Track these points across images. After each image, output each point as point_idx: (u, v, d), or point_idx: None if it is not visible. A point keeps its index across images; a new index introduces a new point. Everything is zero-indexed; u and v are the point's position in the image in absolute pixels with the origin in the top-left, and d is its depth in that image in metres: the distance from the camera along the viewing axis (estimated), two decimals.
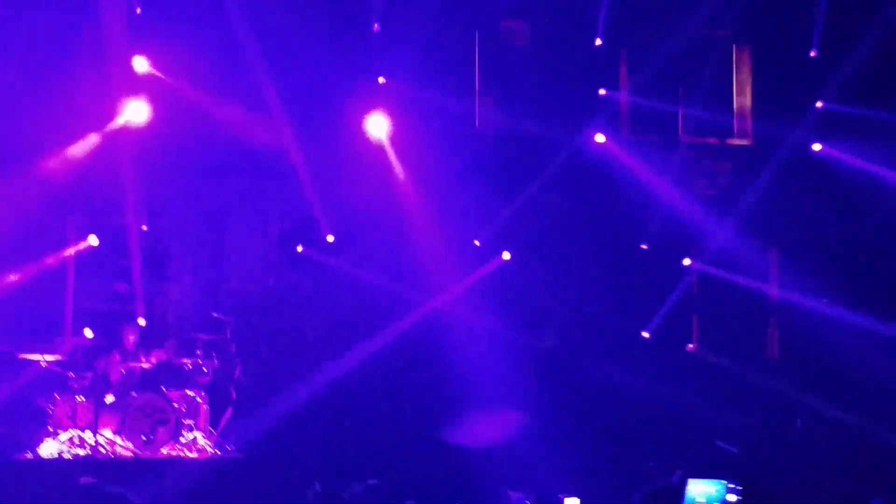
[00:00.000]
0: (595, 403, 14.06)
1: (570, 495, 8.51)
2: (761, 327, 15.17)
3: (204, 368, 12.49)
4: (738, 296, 14.85)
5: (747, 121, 15.39)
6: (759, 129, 15.24)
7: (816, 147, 14.69)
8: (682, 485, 5.34)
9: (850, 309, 14.23)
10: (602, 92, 14.57)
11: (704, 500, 5.84)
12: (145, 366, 12.71)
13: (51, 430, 11.83)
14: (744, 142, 15.36)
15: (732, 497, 5.83)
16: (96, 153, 13.05)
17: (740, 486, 5.90)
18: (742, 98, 15.42)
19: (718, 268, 14.78)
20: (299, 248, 13.94)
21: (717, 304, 14.94)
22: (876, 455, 13.02)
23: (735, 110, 15.41)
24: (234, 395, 12.87)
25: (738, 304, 14.91)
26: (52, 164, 13.00)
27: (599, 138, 14.33)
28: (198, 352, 12.94)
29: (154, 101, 13.16)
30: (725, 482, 5.92)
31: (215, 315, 13.48)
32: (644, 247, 14.43)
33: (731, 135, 15.38)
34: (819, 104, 14.76)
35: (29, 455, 11.73)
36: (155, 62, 13.14)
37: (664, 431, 13.60)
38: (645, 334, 14.55)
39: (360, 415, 13.35)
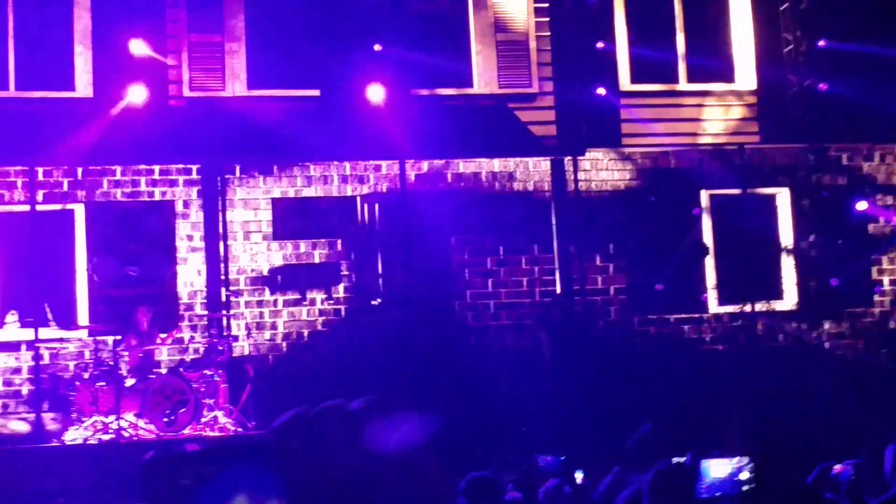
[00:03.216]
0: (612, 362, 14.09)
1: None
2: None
3: (220, 347, 12.56)
4: (751, 241, 14.81)
5: (749, 65, 15.26)
6: (762, 73, 15.12)
7: (822, 86, 14.55)
8: (696, 463, 5.33)
9: None
10: (600, 45, 14.45)
11: (718, 478, 5.83)
12: (162, 348, 12.81)
13: (74, 416, 11.97)
14: (746, 86, 15.24)
15: (745, 474, 5.82)
16: (98, 138, 13.05)
17: (752, 462, 5.90)
18: (742, 41, 15.29)
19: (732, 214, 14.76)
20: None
21: (731, 251, 14.90)
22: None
23: (734, 54, 15.29)
24: (251, 373, 12.94)
25: (753, 250, 14.88)
26: (57, 150, 13.04)
27: (601, 91, 14.24)
28: (212, 331, 13.01)
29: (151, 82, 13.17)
30: (738, 459, 5.91)
31: (227, 292, 13.57)
32: (659, 287, 14.41)
33: (732, 80, 15.26)
34: (822, 43, 14.63)
35: (55, 443, 11.89)
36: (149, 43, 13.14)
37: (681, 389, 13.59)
38: (659, 287, 14.52)
39: (379, 382, 13.37)
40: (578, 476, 8.22)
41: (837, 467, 7.64)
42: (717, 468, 6.08)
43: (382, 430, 1.39)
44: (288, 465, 1.46)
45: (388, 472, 1.45)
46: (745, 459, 6.11)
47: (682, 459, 6.75)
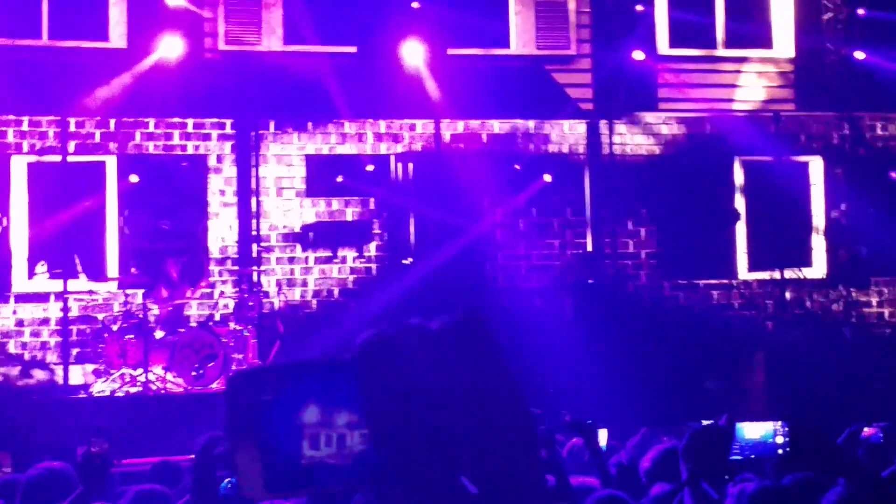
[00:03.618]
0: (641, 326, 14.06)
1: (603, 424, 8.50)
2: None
3: (250, 302, 12.53)
4: (783, 209, 14.75)
5: (787, 32, 15.12)
6: (800, 41, 14.98)
7: (859, 55, 14.42)
8: (731, 426, 5.30)
9: None
10: (639, 8, 14.31)
11: (753, 440, 5.81)
12: (191, 302, 12.79)
13: (102, 368, 11.97)
14: (784, 54, 15.11)
15: (780, 439, 5.79)
16: (131, 90, 12.96)
17: (788, 426, 5.86)
18: (781, 8, 15.14)
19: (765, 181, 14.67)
20: (339, 179, 13.86)
21: (763, 218, 14.84)
22: None
23: (773, 21, 15.14)
24: (281, 329, 12.93)
25: (785, 217, 14.82)
26: (90, 101, 12.95)
27: (638, 55, 14.10)
28: (243, 286, 12.99)
29: (187, 34, 13.05)
30: (773, 423, 5.88)
31: (259, 248, 13.53)
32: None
33: (770, 47, 15.13)
34: (861, 11, 14.48)
35: (83, 395, 11.89)
36: None
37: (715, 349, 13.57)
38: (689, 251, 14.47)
39: None
40: (603, 434, 8.22)
41: (867, 430, 7.64)
42: (751, 431, 6.06)
43: (457, 354, 1.36)
44: (364, 381, 1.43)
45: (460, 396, 1.42)
46: (780, 423, 6.09)
47: (714, 422, 6.73)
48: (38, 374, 13.03)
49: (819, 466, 5.43)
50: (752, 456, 6.09)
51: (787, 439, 6.00)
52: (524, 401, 1.39)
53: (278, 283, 13.44)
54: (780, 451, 6.09)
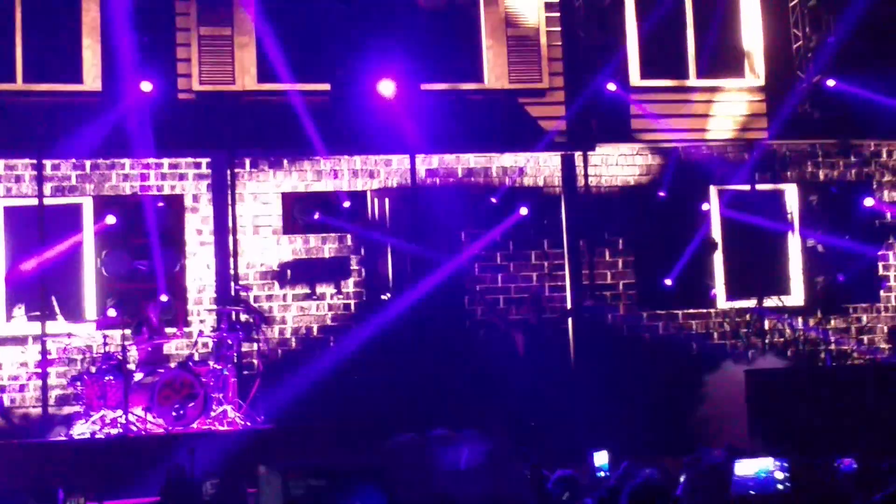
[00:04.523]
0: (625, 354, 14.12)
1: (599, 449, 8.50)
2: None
3: (229, 341, 12.52)
4: (760, 237, 14.85)
5: (758, 61, 15.29)
6: (771, 69, 15.15)
7: (830, 83, 14.57)
8: (729, 463, 5.34)
9: None
10: (610, 40, 14.47)
11: (753, 477, 5.83)
12: (170, 342, 12.77)
13: (81, 410, 11.92)
14: (756, 82, 15.27)
15: (780, 475, 5.81)
16: (107, 131, 13.01)
17: (787, 463, 5.88)
18: (752, 37, 15.31)
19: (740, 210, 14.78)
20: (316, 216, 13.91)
21: (741, 248, 14.94)
22: None
23: (744, 50, 15.30)
24: (260, 367, 12.92)
25: (761, 246, 14.93)
26: (65, 144, 13.00)
27: (611, 87, 14.23)
28: (221, 325, 12.97)
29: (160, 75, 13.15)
30: (773, 459, 5.91)
31: (237, 287, 13.53)
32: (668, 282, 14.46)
33: (742, 75, 15.28)
34: (831, 39, 14.65)
35: (62, 437, 11.84)
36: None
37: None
38: (668, 282, 14.53)
39: (389, 377, 13.36)
40: (603, 456, 8.21)
41: (846, 461, 7.69)
42: (749, 467, 6.08)
43: (482, 464, 1.40)
44: (393, 484, 1.48)
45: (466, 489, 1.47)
46: (780, 460, 6.11)
47: (713, 459, 6.77)
48: (18, 418, 12.98)
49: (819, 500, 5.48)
50: (752, 493, 6.08)
51: (786, 475, 5.98)
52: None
53: (257, 322, 13.42)
54: (779, 487, 6.09)
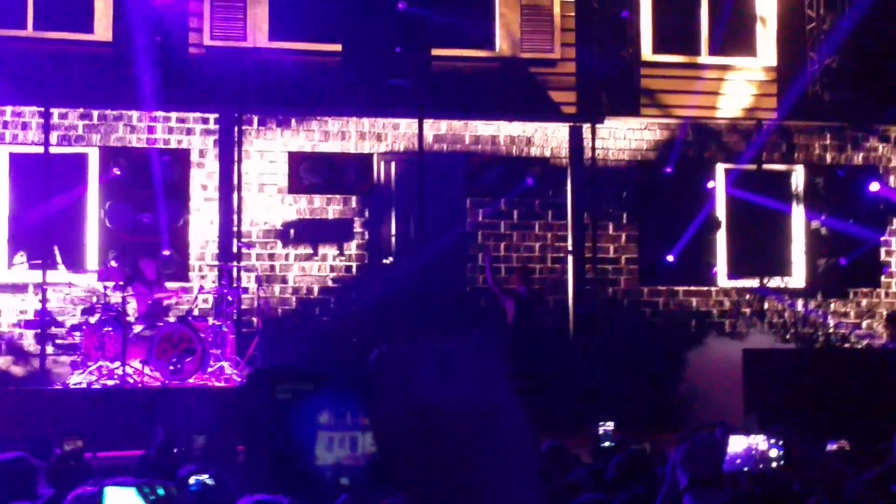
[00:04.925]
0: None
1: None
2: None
3: (229, 297, 12.53)
4: (764, 217, 14.82)
5: (771, 41, 15.20)
6: (783, 49, 15.06)
7: (842, 66, 14.50)
8: (725, 438, 5.37)
9: None
10: (624, 14, 14.37)
11: (745, 454, 5.84)
12: (172, 296, 12.78)
13: (79, 360, 11.94)
14: (767, 62, 15.19)
15: (774, 452, 5.82)
16: (115, 83, 12.94)
17: (783, 440, 5.90)
18: (765, 17, 15.21)
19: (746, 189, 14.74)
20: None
21: (744, 227, 14.91)
22: None
23: (757, 30, 15.21)
24: (259, 325, 12.93)
25: (765, 226, 14.90)
26: (73, 93, 12.94)
27: (622, 60, 14.16)
28: (223, 281, 12.98)
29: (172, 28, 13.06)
30: (766, 437, 5.92)
31: (239, 244, 13.53)
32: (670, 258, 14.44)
33: (753, 55, 15.20)
34: (844, 22, 14.56)
35: (59, 386, 11.86)
36: None
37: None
38: (670, 258, 14.53)
39: (388, 341, 13.34)
40: (610, 426, 8.23)
41: (839, 442, 7.72)
42: (742, 444, 6.09)
43: (467, 373, 1.40)
44: (374, 395, 1.47)
45: (466, 415, 1.45)
46: (773, 437, 6.13)
47: (710, 433, 6.79)
48: (15, 365, 13.01)
49: (812, 479, 5.50)
50: (746, 469, 6.09)
51: (780, 453, 6.01)
52: (527, 421, 1.42)
53: (258, 279, 13.42)
54: (773, 466, 6.09)
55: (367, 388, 1.48)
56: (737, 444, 6.25)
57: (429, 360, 1.48)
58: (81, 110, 13.31)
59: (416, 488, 1.41)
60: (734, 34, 15.06)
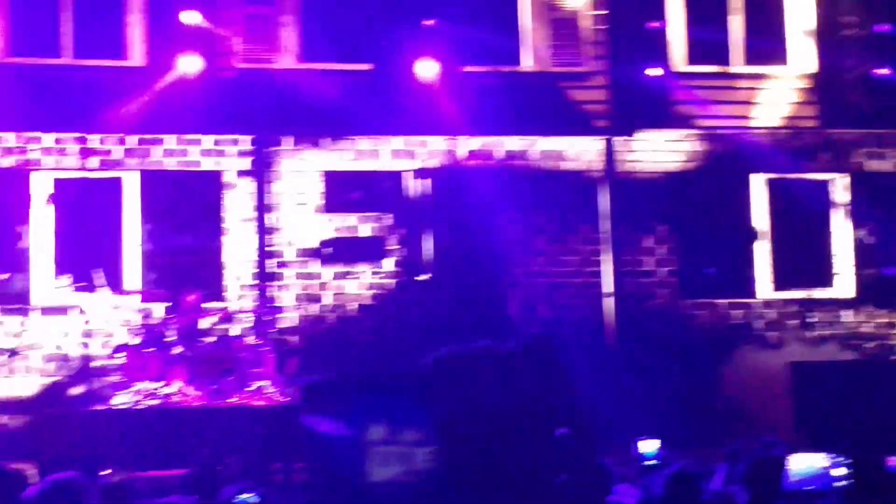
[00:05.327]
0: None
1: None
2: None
3: (267, 317, 12.64)
4: (806, 227, 14.65)
5: (807, 48, 15.04)
6: (820, 57, 14.90)
7: (882, 71, 14.34)
8: (785, 456, 5.27)
9: None
10: (655, 25, 14.34)
11: (807, 473, 5.72)
12: (211, 316, 12.91)
13: (122, 381, 12.10)
14: (804, 70, 15.03)
15: (837, 471, 5.69)
16: (151, 107, 13.19)
17: (845, 458, 5.76)
18: (800, 24, 15.08)
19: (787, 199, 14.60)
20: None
21: (786, 237, 14.75)
22: None
23: (792, 37, 15.08)
24: (297, 343, 13.02)
25: (808, 236, 14.73)
26: (110, 118, 13.20)
27: (654, 72, 14.11)
28: (260, 300, 13.10)
29: (204, 52, 13.28)
30: (827, 455, 5.79)
31: (276, 263, 13.65)
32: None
33: (789, 63, 15.05)
34: (881, 27, 14.40)
35: (103, 407, 12.02)
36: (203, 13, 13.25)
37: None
38: (710, 270, 14.41)
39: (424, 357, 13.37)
40: (655, 444, 8.15)
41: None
42: (804, 462, 5.96)
43: (527, 371, 1.39)
44: (435, 396, 1.47)
45: (526, 414, 1.46)
46: (835, 456, 5.99)
47: (769, 452, 6.68)
48: (61, 387, 13.21)
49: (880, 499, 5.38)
50: (808, 488, 5.96)
51: (843, 472, 5.87)
52: (588, 420, 1.42)
53: (295, 299, 13.52)
54: (836, 484, 5.96)
55: (426, 390, 1.49)
56: (798, 463, 6.09)
57: (488, 361, 1.49)
58: (119, 135, 13.56)
59: (477, 491, 1.41)
60: (769, 42, 14.93)
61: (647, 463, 8.17)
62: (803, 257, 14.71)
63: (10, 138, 13.47)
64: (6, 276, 13.40)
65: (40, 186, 13.61)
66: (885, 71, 14.30)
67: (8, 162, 13.48)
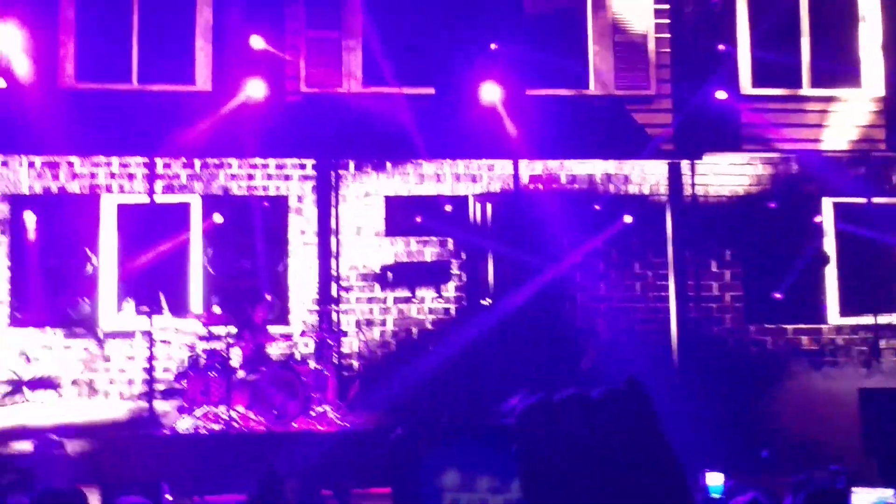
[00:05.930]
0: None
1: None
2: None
3: (329, 341, 12.61)
4: (877, 252, 14.34)
5: (878, 70, 14.77)
6: (891, 79, 14.61)
7: None
8: (847, 489, 5.07)
9: None
10: (721, 47, 14.15)
11: None
12: (273, 341, 12.92)
13: (185, 405, 12.13)
14: (874, 92, 14.76)
15: None
16: (216, 131, 13.26)
17: None
18: (871, 46, 14.81)
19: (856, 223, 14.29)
20: (418, 219, 13.95)
21: (856, 262, 14.44)
22: None
23: (862, 59, 14.82)
24: (360, 368, 12.98)
25: (878, 261, 14.41)
26: (176, 143, 13.28)
27: (720, 95, 13.93)
28: (322, 325, 13.09)
29: (269, 77, 13.33)
30: (891, 490, 5.57)
31: (338, 287, 13.64)
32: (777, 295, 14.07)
33: (859, 85, 14.79)
34: None
35: (166, 431, 12.06)
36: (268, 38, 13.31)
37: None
38: (777, 295, 14.15)
39: (489, 384, 13.27)
40: (720, 477, 8.00)
41: None
42: (869, 496, 5.74)
43: (618, 420, 1.31)
44: (523, 444, 1.39)
45: (618, 463, 1.37)
46: None
47: (831, 483, 6.49)
48: (125, 410, 13.28)
49: None
50: None
51: None
52: (681, 468, 1.35)
53: (357, 323, 13.51)
54: None
55: (512, 439, 1.41)
56: (861, 497, 5.82)
57: (575, 409, 1.42)
58: (184, 160, 13.66)
59: None
60: (838, 64, 14.70)
61: (713, 496, 7.99)
62: (872, 283, 14.40)
63: (77, 163, 13.63)
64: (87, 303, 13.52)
65: (108, 211, 13.75)
66: None
67: (76, 186, 13.63)
